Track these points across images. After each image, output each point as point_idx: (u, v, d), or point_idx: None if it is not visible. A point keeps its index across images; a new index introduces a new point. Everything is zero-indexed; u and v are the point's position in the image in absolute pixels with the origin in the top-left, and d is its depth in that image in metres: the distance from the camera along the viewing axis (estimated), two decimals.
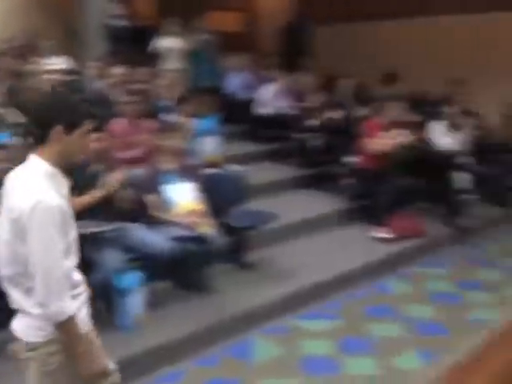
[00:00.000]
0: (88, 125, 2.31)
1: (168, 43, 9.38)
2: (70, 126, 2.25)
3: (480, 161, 7.41)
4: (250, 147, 8.09)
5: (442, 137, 7.17)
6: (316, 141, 7.47)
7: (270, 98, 8.49)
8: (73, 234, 2.35)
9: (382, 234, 6.11)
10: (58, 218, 2.19)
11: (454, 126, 7.22)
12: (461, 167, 6.93)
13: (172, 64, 9.18)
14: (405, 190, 6.33)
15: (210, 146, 6.30)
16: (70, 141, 2.27)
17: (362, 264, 5.54)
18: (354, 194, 6.68)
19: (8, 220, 2.21)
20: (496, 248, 6.48)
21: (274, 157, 8.00)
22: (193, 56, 9.44)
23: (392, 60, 9.86)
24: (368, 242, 6.05)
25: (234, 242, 5.12)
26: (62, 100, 2.34)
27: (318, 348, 4.29)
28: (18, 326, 2.38)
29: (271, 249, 5.67)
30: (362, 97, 8.62)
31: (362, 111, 7.85)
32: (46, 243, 2.16)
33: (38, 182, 2.21)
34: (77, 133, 2.28)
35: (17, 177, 2.28)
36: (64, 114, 2.25)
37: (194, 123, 6.18)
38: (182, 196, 4.73)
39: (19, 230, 2.18)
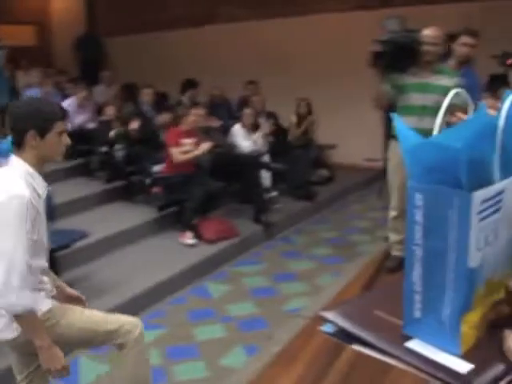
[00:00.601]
0: (60, 126, 2.49)
1: None
2: (42, 131, 2.44)
3: (279, 158, 7.81)
4: (53, 165, 7.80)
5: (242, 139, 7.45)
6: (121, 152, 7.39)
7: (70, 114, 8.25)
8: (44, 236, 2.51)
9: (191, 239, 6.19)
10: (31, 213, 2.35)
11: (252, 127, 7.53)
12: (262, 166, 7.24)
13: None
14: (212, 193, 6.45)
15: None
16: (43, 144, 2.46)
17: (180, 270, 5.57)
18: (163, 203, 6.69)
19: None
20: (304, 239, 6.83)
21: (79, 172, 7.79)
22: None
23: (188, 67, 10.06)
24: (183, 248, 6.09)
25: None
26: (32, 107, 2.48)
27: None
28: None
29: (87, 266, 5.53)
30: (162, 105, 8.69)
31: (162, 119, 7.93)
32: (15, 234, 2.27)
33: (13, 179, 2.38)
34: (49, 136, 2.46)
35: None
36: (34, 120, 2.43)
37: None
38: None
39: None
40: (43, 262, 2.57)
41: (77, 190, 7.04)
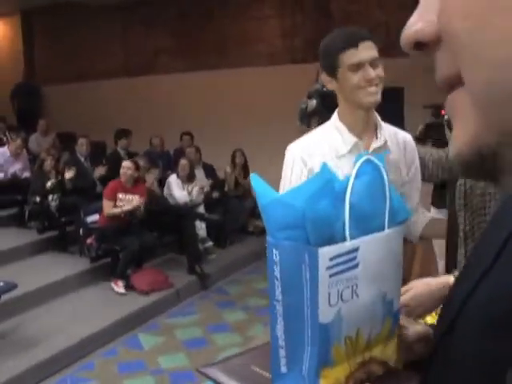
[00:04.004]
0: (349, 57, 1.97)
1: None
2: (330, 70, 2.04)
3: (215, 209, 7.91)
4: None
5: (178, 189, 7.51)
6: (55, 202, 7.32)
7: (3, 163, 8.15)
8: None
9: (122, 289, 6.16)
10: (296, 168, 2.15)
11: (187, 178, 7.60)
12: (196, 217, 7.31)
13: None
14: (146, 245, 6.45)
15: None
16: (340, 85, 2.04)
17: (112, 322, 5.51)
18: (96, 253, 6.63)
19: None
20: (238, 290, 6.86)
21: (12, 222, 7.65)
22: None
23: (125, 116, 10.10)
24: (115, 300, 6.04)
25: None
26: (322, 46, 2.08)
27: None
28: None
29: (16, 319, 5.40)
30: (99, 156, 8.69)
31: (99, 171, 7.97)
32: (283, 185, 2.16)
33: (311, 134, 2.21)
34: (340, 73, 2.00)
35: None
36: (322, 60, 2.07)
37: None
38: None
39: None
40: None
41: (9, 241, 6.92)
